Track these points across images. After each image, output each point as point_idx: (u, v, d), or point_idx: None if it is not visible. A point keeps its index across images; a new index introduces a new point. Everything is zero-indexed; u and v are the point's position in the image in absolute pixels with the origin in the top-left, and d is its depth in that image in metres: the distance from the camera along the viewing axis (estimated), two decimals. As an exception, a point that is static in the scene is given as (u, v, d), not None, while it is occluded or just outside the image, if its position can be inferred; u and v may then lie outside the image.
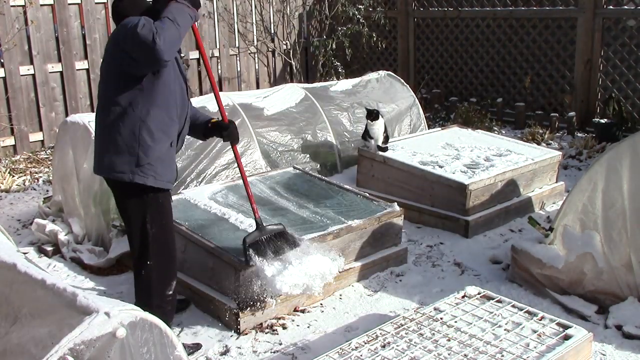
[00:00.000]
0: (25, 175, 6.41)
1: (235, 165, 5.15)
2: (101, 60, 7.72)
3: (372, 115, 5.28)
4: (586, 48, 7.38)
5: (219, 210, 4.17)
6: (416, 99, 6.70)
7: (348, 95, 6.36)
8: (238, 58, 8.90)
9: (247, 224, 4.00)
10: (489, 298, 3.37)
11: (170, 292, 3.22)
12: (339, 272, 3.64)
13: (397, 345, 2.92)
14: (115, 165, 2.98)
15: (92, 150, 3.29)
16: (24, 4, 6.92)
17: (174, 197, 4.29)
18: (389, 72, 6.98)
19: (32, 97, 7.19)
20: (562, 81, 7.77)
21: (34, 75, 7.15)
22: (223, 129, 3.43)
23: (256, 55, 9.06)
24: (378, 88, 6.60)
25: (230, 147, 3.64)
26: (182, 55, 8.04)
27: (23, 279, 2.11)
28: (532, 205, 5.19)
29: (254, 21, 8.96)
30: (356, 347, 2.93)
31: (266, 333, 3.51)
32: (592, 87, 7.48)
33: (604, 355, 3.26)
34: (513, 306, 3.28)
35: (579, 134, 7.34)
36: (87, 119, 4.50)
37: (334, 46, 8.79)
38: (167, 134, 3.06)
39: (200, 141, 5.04)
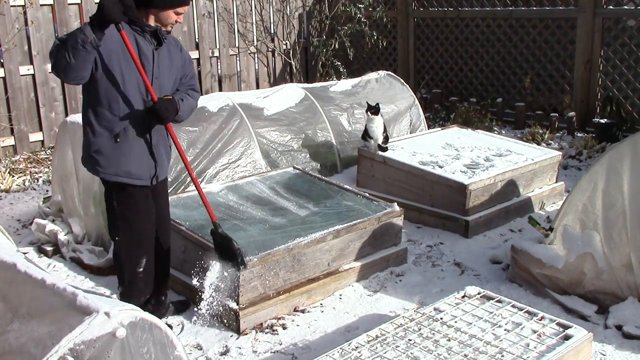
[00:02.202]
0: (25, 175, 6.41)
1: (235, 165, 5.16)
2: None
3: (373, 109, 5.27)
4: (586, 48, 7.38)
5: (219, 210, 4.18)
6: (416, 99, 6.70)
7: (348, 96, 6.35)
8: (238, 58, 8.90)
9: (247, 224, 4.00)
10: (489, 298, 3.37)
11: (141, 270, 3.38)
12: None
13: (397, 345, 2.92)
14: (82, 155, 3.33)
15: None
16: (24, 4, 6.92)
17: (176, 196, 4.30)
18: (389, 72, 6.98)
19: (32, 97, 7.19)
20: (562, 81, 7.77)
21: (33, 75, 7.15)
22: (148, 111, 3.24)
23: (256, 55, 9.06)
24: (378, 88, 6.60)
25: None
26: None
27: (23, 278, 2.11)
28: (532, 205, 5.19)
29: (254, 21, 8.96)
30: (356, 347, 2.93)
31: (266, 333, 3.52)
32: (592, 87, 7.48)
33: (604, 355, 3.26)
34: (513, 306, 3.28)
35: (579, 134, 7.34)
36: (87, 119, 4.50)
37: (336, 46, 8.79)
38: (109, 129, 3.17)
39: (201, 142, 5.06)
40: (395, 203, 4.35)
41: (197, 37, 8.45)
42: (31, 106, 7.20)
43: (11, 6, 6.86)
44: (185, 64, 3.43)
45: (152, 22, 3.19)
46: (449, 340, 2.97)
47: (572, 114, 7.44)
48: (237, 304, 3.52)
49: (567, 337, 2.98)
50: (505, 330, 3.06)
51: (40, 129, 7.28)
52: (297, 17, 9.36)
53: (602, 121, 6.99)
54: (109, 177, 3.23)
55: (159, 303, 3.60)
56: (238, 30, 8.80)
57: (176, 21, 3.25)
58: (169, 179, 4.79)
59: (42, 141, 7.30)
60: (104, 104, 3.15)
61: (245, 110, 5.52)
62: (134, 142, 3.23)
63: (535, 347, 2.90)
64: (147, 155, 3.29)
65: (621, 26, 7.19)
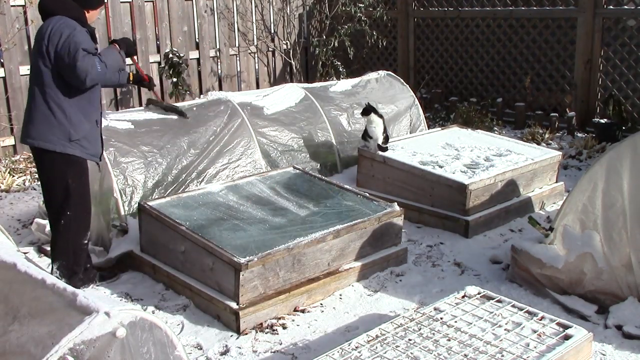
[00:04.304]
0: (25, 175, 6.41)
1: (235, 165, 5.18)
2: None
3: (364, 111, 5.30)
4: (586, 48, 7.38)
5: (219, 210, 4.18)
6: (416, 99, 6.70)
7: (347, 96, 6.35)
8: (238, 58, 8.90)
9: (247, 224, 4.00)
10: (489, 298, 3.37)
11: (86, 241, 3.86)
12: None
13: (397, 345, 2.93)
14: (46, 137, 3.64)
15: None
16: (24, 3, 6.92)
17: (176, 196, 4.31)
18: (389, 72, 6.98)
19: (32, 97, 7.18)
20: (562, 81, 7.77)
21: (34, 75, 7.14)
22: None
23: (256, 55, 9.06)
24: (378, 88, 6.60)
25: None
26: (181, 55, 8.01)
27: (23, 278, 2.11)
28: (532, 205, 5.19)
29: (254, 20, 8.96)
30: (356, 347, 2.93)
31: (266, 333, 3.52)
32: (592, 87, 7.48)
33: (604, 355, 3.27)
34: (513, 306, 3.28)
35: (579, 134, 7.34)
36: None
37: (335, 44, 8.78)
38: (88, 118, 3.73)
39: (202, 142, 5.07)
40: (395, 203, 4.35)
41: (197, 37, 8.46)
42: (31, 106, 7.19)
43: (11, 6, 6.86)
44: None
45: (89, 19, 3.75)
46: (449, 340, 2.97)
47: (572, 114, 7.44)
48: (237, 304, 3.53)
49: (567, 337, 2.98)
50: (505, 330, 3.06)
51: (40, 129, 7.27)
52: (297, 17, 9.37)
53: (602, 121, 7.00)
54: (88, 157, 3.75)
55: (86, 270, 3.96)
56: (238, 30, 8.80)
57: None
58: (169, 179, 4.80)
59: (42, 141, 7.29)
60: (86, 97, 3.69)
61: (245, 110, 5.52)
62: (99, 126, 3.84)
63: (535, 347, 2.90)
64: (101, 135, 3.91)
65: (621, 26, 7.19)
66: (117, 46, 3.78)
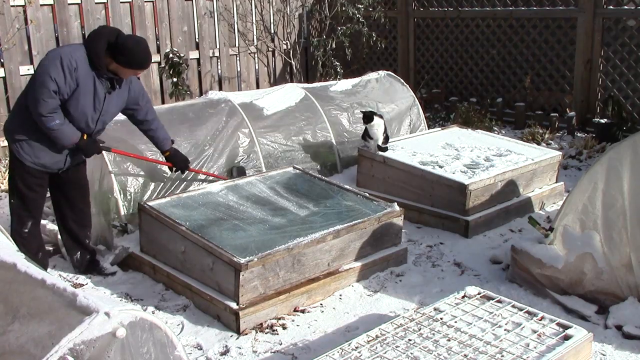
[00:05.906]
0: (25, 175, 6.40)
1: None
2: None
3: (366, 118, 5.28)
4: (586, 48, 7.38)
5: (219, 210, 4.18)
6: (416, 99, 6.70)
7: (348, 96, 6.35)
8: (238, 58, 8.89)
9: (247, 224, 4.00)
10: (489, 298, 3.37)
11: (26, 231, 3.95)
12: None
13: (397, 345, 2.93)
14: (5, 126, 3.84)
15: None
16: (23, 4, 6.91)
17: (176, 196, 4.31)
18: (389, 72, 6.98)
19: (32, 97, 7.17)
20: (562, 81, 7.77)
21: (33, 75, 7.14)
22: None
23: (256, 55, 9.06)
24: (378, 88, 6.60)
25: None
26: (182, 55, 7.99)
27: (23, 278, 2.11)
28: (532, 205, 5.19)
29: (254, 21, 8.96)
30: (356, 347, 2.93)
31: (266, 333, 3.52)
32: (592, 87, 7.48)
33: (604, 355, 3.27)
34: (513, 306, 3.28)
35: (579, 134, 7.34)
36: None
37: (333, 45, 8.78)
38: (39, 130, 3.68)
39: (201, 142, 5.07)
40: (395, 203, 4.35)
41: (197, 37, 8.45)
42: (31, 106, 7.18)
43: (11, 6, 6.85)
44: (133, 95, 3.98)
45: (112, 67, 3.69)
46: (449, 340, 2.97)
47: (572, 114, 7.44)
48: (237, 304, 3.53)
49: (567, 337, 2.99)
50: (505, 330, 3.06)
51: (40, 129, 7.26)
52: (297, 17, 9.36)
53: (602, 121, 7.00)
54: (24, 161, 3.76)
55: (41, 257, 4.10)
56: (238, 30, 8.80)
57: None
58: (169, 179, 4.80)
59: (42, 141, 7.28)
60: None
61: (245, 110, 5.52)
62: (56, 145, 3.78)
63: (535, 347, 2.90)
64: (64, 152, 3.84)
65: (621, 26, 7.19)
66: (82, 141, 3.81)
